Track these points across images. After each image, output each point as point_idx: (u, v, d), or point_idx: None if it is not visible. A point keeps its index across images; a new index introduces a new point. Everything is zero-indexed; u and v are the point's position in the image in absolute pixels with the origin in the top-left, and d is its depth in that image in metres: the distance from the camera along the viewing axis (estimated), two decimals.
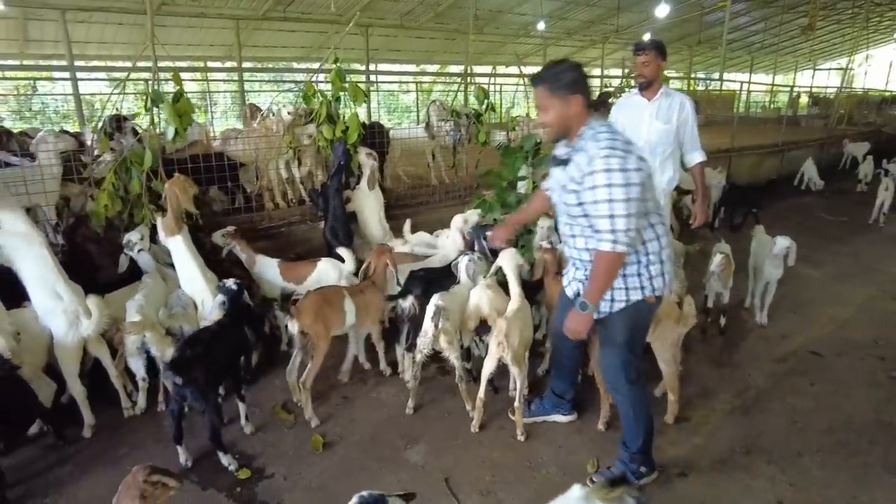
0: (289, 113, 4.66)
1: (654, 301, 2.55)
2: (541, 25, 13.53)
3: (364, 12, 11.88)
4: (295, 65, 15.54)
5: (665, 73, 6.44)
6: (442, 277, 3.64)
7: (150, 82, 4.01)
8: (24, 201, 3.84)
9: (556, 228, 3.97)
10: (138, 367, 3.33)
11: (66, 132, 5.12)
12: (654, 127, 3.79)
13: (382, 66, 15.11)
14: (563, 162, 2.48)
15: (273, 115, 4.79)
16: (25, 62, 11.63)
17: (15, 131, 5.60)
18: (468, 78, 8.19)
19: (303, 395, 3.32)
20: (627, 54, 18.81)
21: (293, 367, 3.44)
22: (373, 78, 11.68)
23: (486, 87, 5.60)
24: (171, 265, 3.76)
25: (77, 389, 3.22)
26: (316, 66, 15.42)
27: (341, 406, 3.54)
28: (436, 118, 5.92)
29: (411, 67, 16.75)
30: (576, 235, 2.54)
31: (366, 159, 4.75)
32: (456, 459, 3.03)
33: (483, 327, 3.25)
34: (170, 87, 3.89)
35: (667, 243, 2.53)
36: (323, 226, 4.55)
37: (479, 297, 3.23)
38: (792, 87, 16.65)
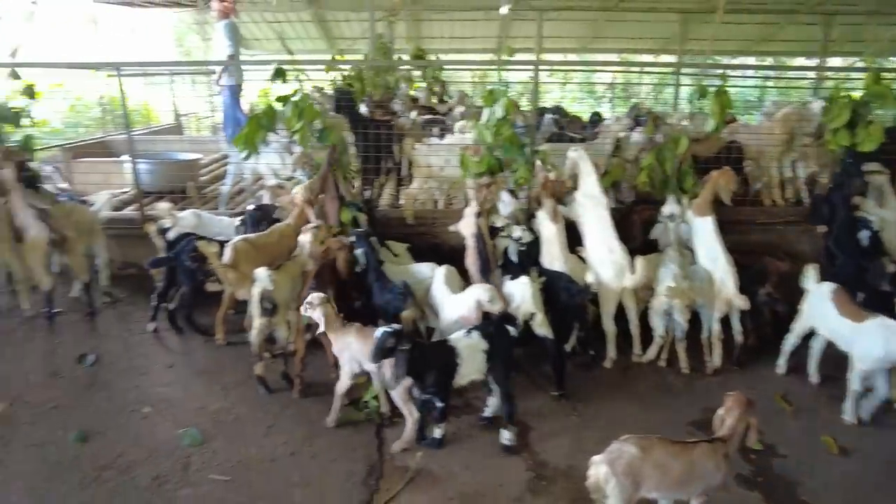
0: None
1: None
2: None
3: None
4: (718, 59, 14.92)
5: None
6: None
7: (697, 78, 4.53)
8: None
9: None
10: (658, 325, 3.91)
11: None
12: None
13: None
14: None
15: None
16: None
17: None
18: None
19: None
20: None
21: None
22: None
23: None
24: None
25: (610, 328, 3.99)
26: (750, 60, 14.56)
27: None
28: None
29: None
30: None
31: (877, 178, 4.39)
32: None
33: None
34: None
35: None
36: (824, 233, 4.42)
37: None
38: None
